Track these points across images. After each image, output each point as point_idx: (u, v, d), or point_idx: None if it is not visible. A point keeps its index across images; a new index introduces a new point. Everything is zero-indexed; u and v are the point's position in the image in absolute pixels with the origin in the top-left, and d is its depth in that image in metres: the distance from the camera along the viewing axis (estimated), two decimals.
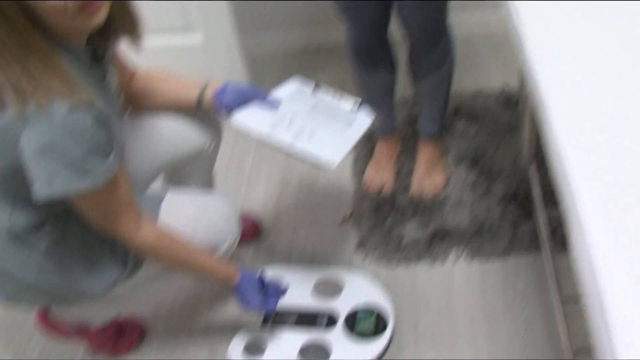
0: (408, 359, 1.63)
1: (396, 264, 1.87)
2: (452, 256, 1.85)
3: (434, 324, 1.70)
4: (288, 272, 1.86)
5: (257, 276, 1.56)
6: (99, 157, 1.19)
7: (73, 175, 1.17)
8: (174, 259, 1.42)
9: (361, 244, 1.93)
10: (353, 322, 1.68)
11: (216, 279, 1.51)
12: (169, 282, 1.63)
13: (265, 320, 1.75)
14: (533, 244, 1.82)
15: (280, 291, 1.62)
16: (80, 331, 1.68)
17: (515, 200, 1.93)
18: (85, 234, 1.41)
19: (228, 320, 1.80)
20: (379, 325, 1.67)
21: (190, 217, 1.48)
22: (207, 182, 1.80)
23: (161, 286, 1.63)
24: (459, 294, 1.76)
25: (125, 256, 1.45)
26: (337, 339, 1.66)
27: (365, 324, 1.68)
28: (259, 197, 2.17)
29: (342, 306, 1.73)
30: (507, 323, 1.67)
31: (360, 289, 1.78)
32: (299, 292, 1.79)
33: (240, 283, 1.51)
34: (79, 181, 1.19)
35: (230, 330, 1.77)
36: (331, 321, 1.70)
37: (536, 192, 1.74)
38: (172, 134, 1.59)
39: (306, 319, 1.72)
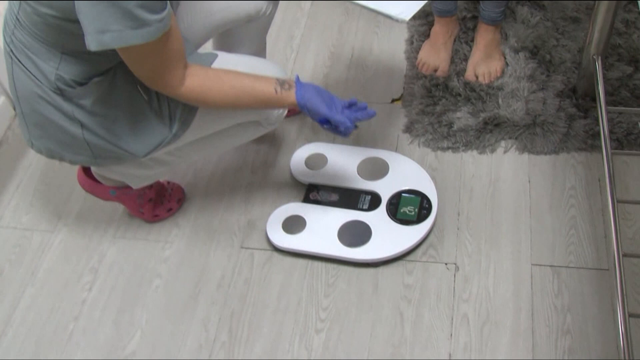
0: (447, 248, 1.62)
1: (443, 150, 1.82)
2: (501, 147, 1.80)
3: (477, 214, 1.67)
4: (332, 150, 1.82)
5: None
6: (154, 10, 1.13)
7: (127, 26, 1.12)
8: (225, 96, 1.35)
9: (409, 128, 1.88)
10: (396, 206, 1.66)
11: (276, 103, 1.41)
12: (213, 148, 1.59)
13: (306, 198, 1.73)
14: (586, 143, 1.76)
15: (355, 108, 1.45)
16: (121, 193, 1.67)
17: (573, 96, 1.85)
18: (132, 92, 1.37)
19: (268, 194, 1.79)
20: (422, 210, 1.65)
21: None
22: (258, 50, 1.72)
23: (205, 151, 1.59)
24: (505, 186, 1.72)
25: (173, 117, 1.41)
26: (378, 221, 1.64)
27: (408, 208, 1.65)
28: (307, 70, 2.09)
29: (385, 189, 1.71)
30: (551, 221, 1.64)
31: (405, 172, 1.74)
32: (342, 171, 1.76)
33: (302, 93, 1.39)
34: (133, 32, 1.13)
35: (270, 204, 1.76)
36: (374, 203, 1.68)
37: (600, 87, 1.66)
38: None
39: (348, 199, 1.70)
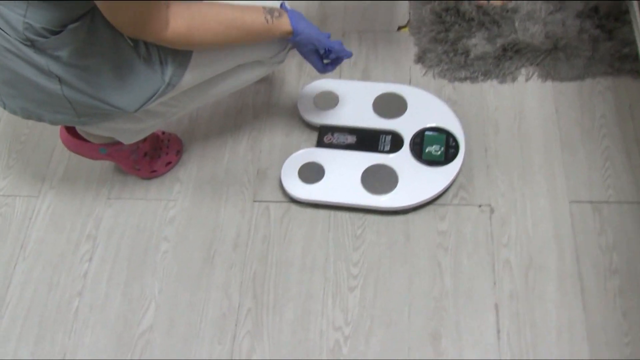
0: (479, 188, 1.51)
1: (461, 81, 1.68)
2: (522, 75, 1.67)
3: (506, 149, 1.56)
4: (342, 87, 1.66)
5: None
6: None
7: None
8: (213, 35, 1.20)
9: (421, 58, 1.72)
10: (420, 145, 1.53)
11: (268, 34, 1.28)
12: (213, 94, 1.41)
13: (320, 142, 1.57)
14: (613, 67, 1.65)
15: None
16: (112, 150, 1.48)
17: (594, 16, 1.72)
18: (115, 38, 1.17)
19: (276, 139, 1.63)
20: (449, 149, 1.52)
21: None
22: None
23: (204, 97, 1.41)
24: (532, 117, 1.61)
25: (164, 62, 1.22)
26: (403, 163, 1.51)
27: (434, 147, 1.53)
28: None
29: (406, 127, 1.57)
30: (584, 153, 1.54)
31: (425, 107, 1.60)
32: (357, 110, 1.61)
33: (296, 19, 1.30)
34: None
35: (279, 151, 1.60)
36: (395, 144, 1.55)
37: (633, 5, 1.54)
38: None
39: (367, 141, 1.56)
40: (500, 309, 1.36)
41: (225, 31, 1.20)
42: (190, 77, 1.28)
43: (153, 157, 1.57)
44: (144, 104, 1.25)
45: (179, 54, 1.22)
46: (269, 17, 1.24)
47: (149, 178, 1.59)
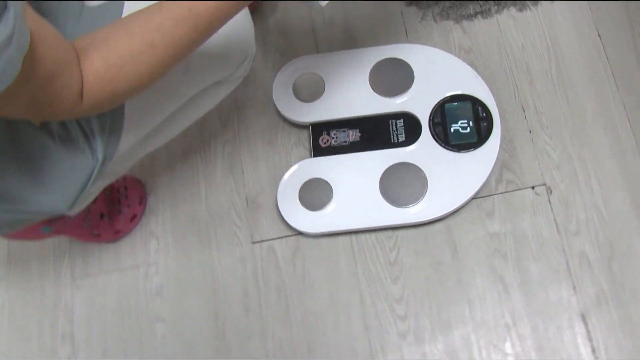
0: (526, 164, 1.20)
1: (470, 19, 1.31)
2: None
3: (547, 102, 1.23)
4: (325, 64, 1.28)
5: None
6: None
7: None
8: (148, 61, 0.73)
9: None
10: (443, 126, 1.19)
11: (225, 15, 0.78)
12: (171, 132, 1.05)
13: (316, 148, 1.23)
14: None
15: None
16: (58, 225, 1.13)
17: None
18: (9, 127, 0.80)
19: (259, 154, 1.27)
20: (480, 122, 1.19)
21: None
22: None
23: (161, 140, 1.04)
24: (569, 50, 1.26)
25: (91, 139, 0.86)
26: (427, 155, 1.18)
27: (460, 124, 1.19)
28: None
29: (419, 103, 1.22)
30: None
31: (436, 69, 1.24)
32: (351, 94, 1.25)
33: None
34: None
35: (267, 169, 1.26)
36: (411, 129, 1.21)
37: None
38: None
39: (375, 133, 1.22)
40: (588, 319, 1.10)
41: (162, 47, 0.74)
42: (131, 137, 0.92)
43: (112, 215, 1.23)
44: (78, 196, 0.90)
45: (106, 116, 0.85)
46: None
47: (115, 240, 1.25)
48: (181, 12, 0.74)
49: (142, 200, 1.26)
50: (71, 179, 0.88)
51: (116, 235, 1.24)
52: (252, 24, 0.97)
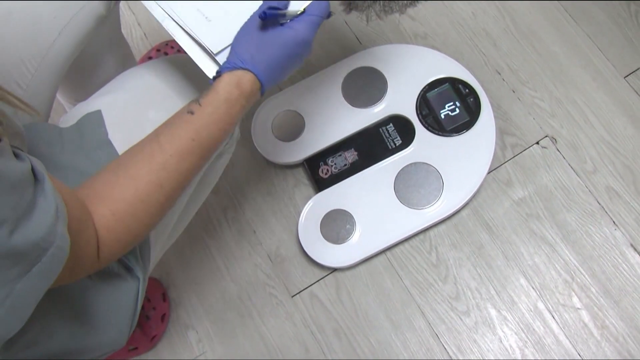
0: (522, 122, 1.20)
1: (413, 5, 1.30)
2: None
3: (518, 59, 1.24)
4: (293, 97, 1.24)
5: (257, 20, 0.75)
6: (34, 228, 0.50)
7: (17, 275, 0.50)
8: (158, 203, 0.69)
9: (350, 4, 1.32)
10: (433, 115, 1.18)
11: (228, 132, 0.74)
12: (190, 214, 0.98)
13: (319, 182, 1.19)
14: None
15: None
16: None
17: None
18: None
19: (261, 207, 1.23)
20: (466, 98, 1.18)
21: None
22: (124, 55, 1.06)
23: (184, 224, 0.98)
24: (520, 3, 1.27)
25: (130, 262, 0.81)
26: (430, 151, 1.17)
27: (448, 107, 1.18)
28: None
29: (400, 101, 1.20)
30: (604, 14, 1.24)
31: (403, 65, 1.23)
32: (332, 116, 1.22)
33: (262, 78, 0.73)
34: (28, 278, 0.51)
35: (277, 219, 1.21)
36: (403, 129, 1.19)
37: None
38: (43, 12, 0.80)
39: (371, 148, 1.19)
40: (639, 247, 1.11)
41: (166, 190, 0.69)
42: (159, 243, 0.87)
43: (141, 324, 1.16)
44: (132, 322, 0.84)
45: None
46: (196, 106, 0.70)
47: (153, 347, 1.18)
48: (184, 146, 0.69)
49: (165, 296, 1.20)
50: (121, 309, 0.82)
51: (153, 341, 1.17)
52: None
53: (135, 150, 0.69)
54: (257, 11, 0.75)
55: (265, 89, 0.74)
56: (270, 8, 0.72)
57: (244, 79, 0.71)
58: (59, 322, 0.75)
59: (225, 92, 0.71)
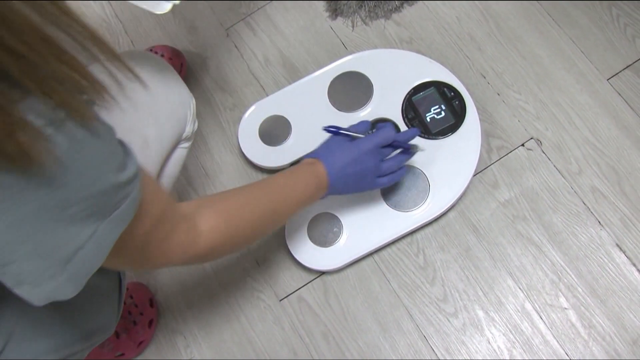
0: (506, 124, 1.21)
1: (398, 10, 1.31)
2: None
3: (502, 62, 1.25)
4: (279, 99, 1.25)
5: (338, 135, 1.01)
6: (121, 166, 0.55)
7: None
8: (252, 228, 0.85)
9: (335, 11, 1.33)
10: (419, 118, 1.19)
11: (310, 196, 0.95)
12: None
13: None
14: None
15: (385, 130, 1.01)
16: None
17: None
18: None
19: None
20: (451, 102, 1.19)
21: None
22: None
23: None
24: (501, 6, 1.28)
25: None
26: (416, 154, 1.17)
27: (433, 111, 1.19)
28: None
29: (386, 106, 1.21)
30: (586, 17, 1.25)
31: (389, 70, 1.24)
32: (319, 122, 1.22)
33: (329, 171, 0.96)
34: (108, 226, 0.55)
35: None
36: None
37: None
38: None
39: None
40: (624, 246, 1.11)
41: (263, 223, 0.88)
42: None
43: (128, 329, 1.16)
44: (119, 306, 0.86)
45: None
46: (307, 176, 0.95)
47: (141, 353, 1.18)
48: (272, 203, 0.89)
49: (152, 302, 1.19)
50: (105, 294, 0.85)
51: (140, 347, 1.17)
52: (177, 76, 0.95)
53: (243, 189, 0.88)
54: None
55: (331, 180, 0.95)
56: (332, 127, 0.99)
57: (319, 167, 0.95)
58: (45, 316, 0.76)
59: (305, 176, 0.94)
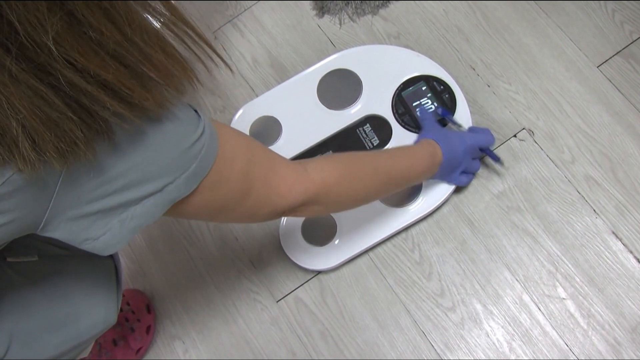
0: (497, 115, 1.20)
1: (384, 6, 1.31)
2: None
3: (491, 53, 1.24)
4: (269, 99, 1.25)
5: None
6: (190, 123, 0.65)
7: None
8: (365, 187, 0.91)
9: (322, 9, 1.32)
10: (409, 113, 1.18)
11: (422, 172, 1.03)
12: None
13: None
14: None
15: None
16: None
17: None
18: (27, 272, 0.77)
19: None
20: (440, 95, 1.18)
21: None
22: None
23: None
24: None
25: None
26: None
27: (423, 104, 1.18)
28: None
29: (376, 101, 1.21)
30: (574, 4, 1.24)
31: (377, 66, 1.23)
32: (308, 120, 1.22)
33: (445, 157, 1.04)
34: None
35: (257, 225, 1.21)
36: (380, 128, 1.19)
37: None
38: None
39: (348, 147, 1.19)
40: (619, 233, 1.11)
41: (376, 179, 0.92)
42: None
43: (126, 337, 1.15)
44: (118, 296, 0.87)
45: None
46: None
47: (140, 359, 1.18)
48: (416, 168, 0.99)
49: (149, 308, 1.19)
50: (102, 286, 0.86)
51: (139, 354, 1.16)
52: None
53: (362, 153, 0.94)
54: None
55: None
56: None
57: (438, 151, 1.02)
58: (44, 311, 0.77)
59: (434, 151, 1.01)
